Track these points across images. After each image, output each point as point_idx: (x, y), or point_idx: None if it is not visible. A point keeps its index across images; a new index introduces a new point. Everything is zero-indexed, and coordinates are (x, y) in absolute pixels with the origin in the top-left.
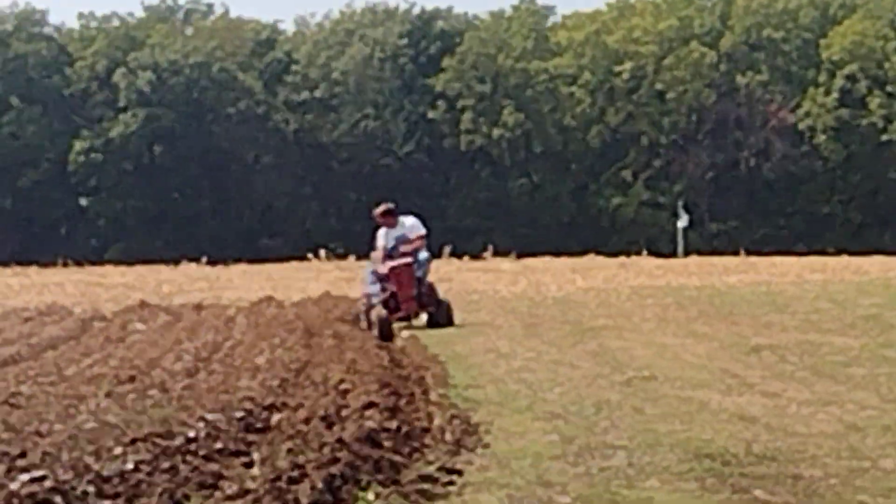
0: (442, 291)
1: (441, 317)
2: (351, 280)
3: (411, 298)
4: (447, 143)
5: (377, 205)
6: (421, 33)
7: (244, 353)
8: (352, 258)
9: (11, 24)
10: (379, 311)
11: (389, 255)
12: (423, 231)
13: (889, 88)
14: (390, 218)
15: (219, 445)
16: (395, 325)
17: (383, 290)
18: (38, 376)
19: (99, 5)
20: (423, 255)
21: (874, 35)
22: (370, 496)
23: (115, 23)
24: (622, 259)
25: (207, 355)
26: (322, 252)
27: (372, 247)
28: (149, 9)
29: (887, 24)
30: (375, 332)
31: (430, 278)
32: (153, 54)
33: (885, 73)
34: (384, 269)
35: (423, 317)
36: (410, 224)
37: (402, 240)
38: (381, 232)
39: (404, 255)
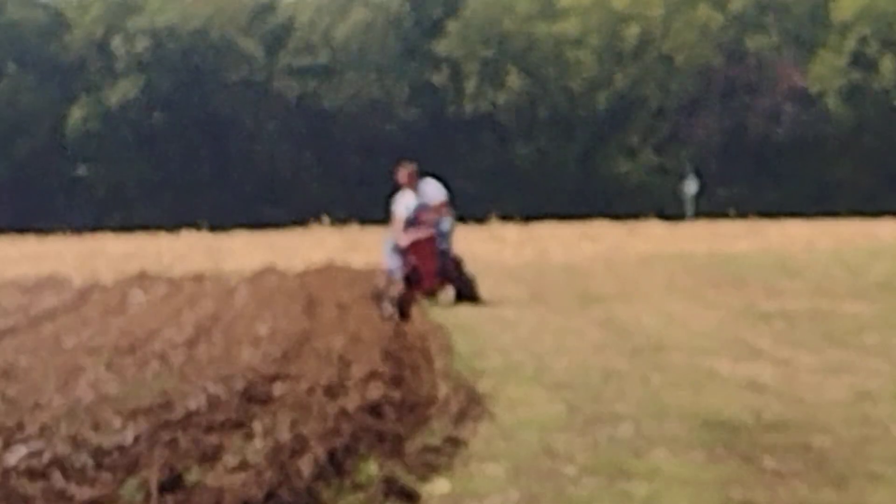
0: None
1: (466, 291)
2: (353, 248)
3: (434, 273)
4: (451, 109)
5: (398, 165)
6: None
7: (245, 324)
8: (354, 224)
9: None
10: (399, 287)
11: (410, 224)
12: (444, 197)
13: None
14: (413, 180)
15: (220, 417)
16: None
17: (404, 263)
18: (35, 348)
19: None
20: (447, 224)
21: None
22: (372, 468)
23: None
24: (630, 224)
25: (208, 326)
26: (325, 218)
27: (389, 216)
28: None
29: None
30: (395, 310)
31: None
32: (151, 20)
33: (895, 35)
34: (404, 241)
35: (449, 292)
36: (431, 190)
37: (423, 208)
38: (400, 199)
39: (425, 224)
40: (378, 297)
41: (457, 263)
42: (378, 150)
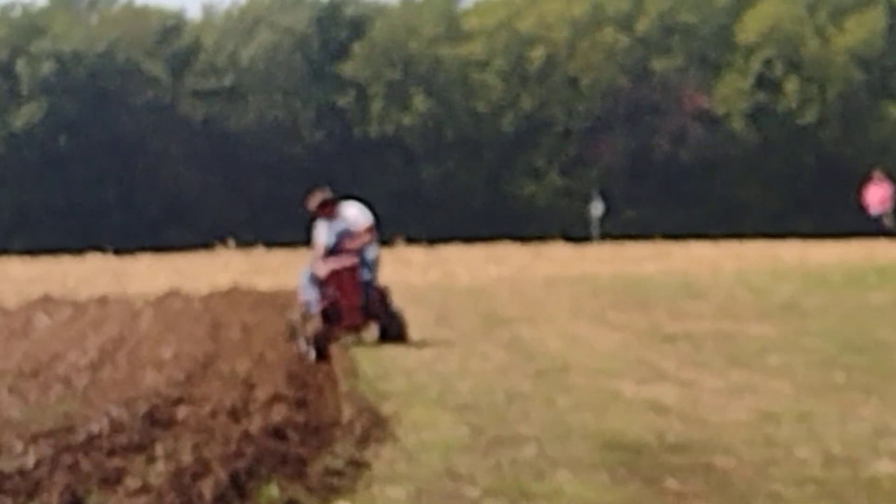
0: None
1: (393, 330)
2: (259, 271)
3: (356, 308)
4: (357, 131)
5: (310, 192)
6: (330, 20)
7: (150, 347)
8: (260, 247)
9: None
10: (315, 324)
11: (332, 252)
12: (370, 222)
13: (805, 72)
14: (329, 208)
15: (122, 440)
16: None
17: (323, 296)
18: None
19: None
20: (372, 253)
21: (790, 18)
22: (274, 490)
23: (17, 11)
24: (536, 246)
25: (112, 349)
26: (230, 241)
27: (295, 239)
28: None
29: (804, 7)
30: (310, 348)
31: None
32: (56, 43)
33: (800, 56)
34: (323, 271)
35: (374, 329)
36: (353, 214)
37: (346, 234)
38: (320, 226)
39: (348, 253)
40: (294, 335)
41: (382, 296)
42: (284, 172)
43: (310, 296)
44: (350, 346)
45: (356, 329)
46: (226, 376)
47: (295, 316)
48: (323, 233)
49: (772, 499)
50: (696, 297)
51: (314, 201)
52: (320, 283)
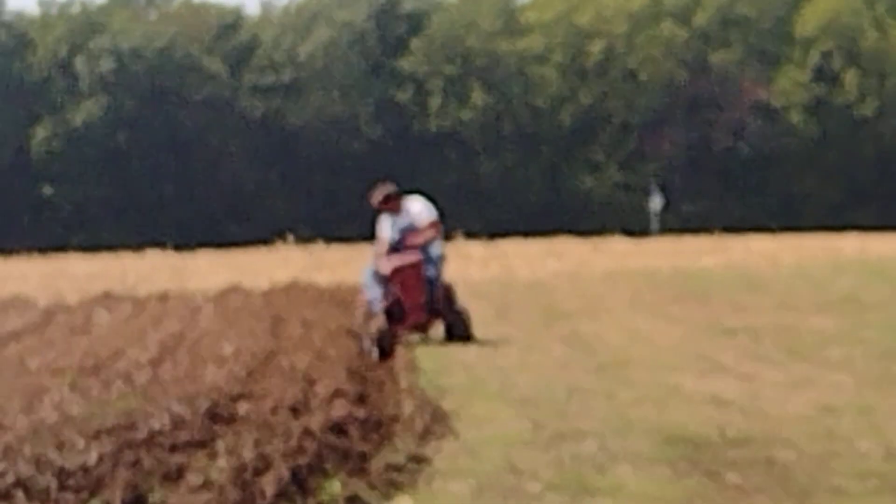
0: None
1: (458, 328)
2: (319, 267)
3: (421, 306)
4: (415, 126)
5: (374, 187)
6: (388, 15)
7: (210, 343)
8: (320, 243)
9: None
10: (379, 322)
11: (395, 249)
12: (434, 217)
13: (863, 65)
14: (393, 203)
15: (183, 437)
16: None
17: (386, 295)
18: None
19: None
20: (437, 249)
21: (848, 11)
22: (336, 486)
23: (76, 8)
24: (595, 240)
25: (173, 345)
26: (289, 237)
27: (372, 240)
28: None
29: (862, 0)
30: (374, 348)
31: None
32: (115, 40)
33: (859, 49)
34: (387, 268)
35: (440, 328)
36: (418, 210)
37: (410, 230)
38: (383, 221)
39: (412, 250)
40: (358, 334)
41: (448, 294)
42: (343, 167)
43: (373, 294)
44: (414, 345)
45: (421, 328)
46: (286, 372)
47: (358, 315)
48: (386, 228)
49: (833, 492)
50: (756, 291)
51: (378, 196)
52: (384, 280)
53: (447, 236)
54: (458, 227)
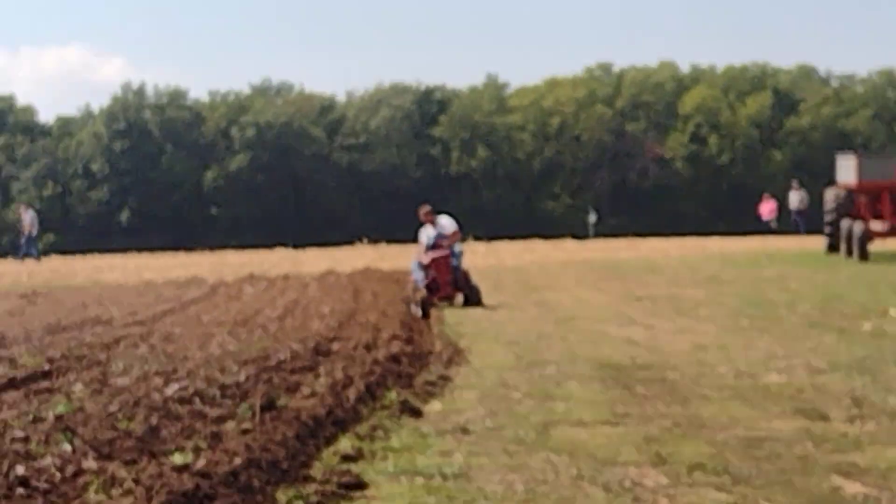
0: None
1: (473, 298)
2: (383, 259)
3: (449, 283)
4: (442, 171)
5: (418, 207)
6: (425, 100)
7: (315, 306)
8: (383, 243)
9: (167, 98)
10: (422, 294)
11: (431, 247)
12: (456, 227)
13: (722, 132)
14: (430, 217)
15: (299, 364)
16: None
17: (426, 276)
18: (184, 322)
19: (221, 84)
20: (458, 247)
21: (711, 98)
22: (393, 395)
23: (231, 96)
24: (554, 242)
25: (292, 307)
26: (364, 240)
27: (416, 241)
28: (253, 87)
29: (722, 90)
30: (418, 309)
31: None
32: (255, 116)
33: (719, 121)
34: (426, 259)
35: (460, 298)
36: (446, 222)
37: (440, 236)
38: (423, 230)
39: (442, 248)
40: (408, 301)
41: (466, 276)
42: (398, 196)
43: (418, 276)
44: (443, 307)
45: (448, 298)
46: (362, 324)
47: (409, 290)
48: (425, 234)
49: (702, 399)
50: (654, 273)
51: (421, 213)
52: (425, 267)
53: (464, 239)
54: (469, 234)
